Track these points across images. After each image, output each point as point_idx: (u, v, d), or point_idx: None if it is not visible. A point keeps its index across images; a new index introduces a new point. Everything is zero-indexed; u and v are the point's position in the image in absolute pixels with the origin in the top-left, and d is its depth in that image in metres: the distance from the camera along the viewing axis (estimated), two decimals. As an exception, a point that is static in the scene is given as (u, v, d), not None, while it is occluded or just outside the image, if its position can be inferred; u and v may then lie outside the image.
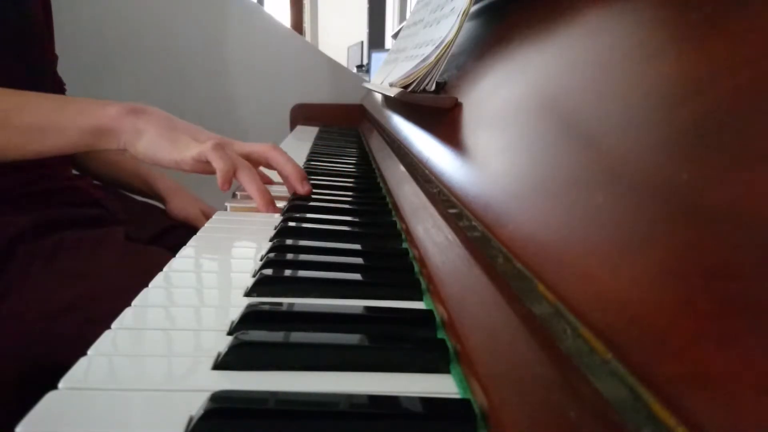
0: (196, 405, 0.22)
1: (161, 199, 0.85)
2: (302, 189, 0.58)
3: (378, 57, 3.68)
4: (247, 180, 0.53)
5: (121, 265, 0.58)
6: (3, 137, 0.51)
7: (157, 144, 0.52)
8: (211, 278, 0.37)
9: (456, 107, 0.47)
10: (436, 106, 0.51)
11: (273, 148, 0.58)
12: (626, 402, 0.15)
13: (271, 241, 0.44)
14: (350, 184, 0.68)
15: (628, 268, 0.17)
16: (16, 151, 0.53)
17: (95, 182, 0.80)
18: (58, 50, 0.77)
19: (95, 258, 0.59)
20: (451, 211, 0.37)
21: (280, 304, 0.32)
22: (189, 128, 0.55)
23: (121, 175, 0.84)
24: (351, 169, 0.80)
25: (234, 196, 0.61)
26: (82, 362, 0.25)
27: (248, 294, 0.34)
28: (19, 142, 0.52)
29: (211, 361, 0.26)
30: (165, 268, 0.37)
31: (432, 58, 0.54)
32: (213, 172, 0.52)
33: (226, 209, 0.57)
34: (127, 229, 0.67)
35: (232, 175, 0.52)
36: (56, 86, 0.74)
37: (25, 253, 0.56)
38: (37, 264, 0.56)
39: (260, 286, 0.34)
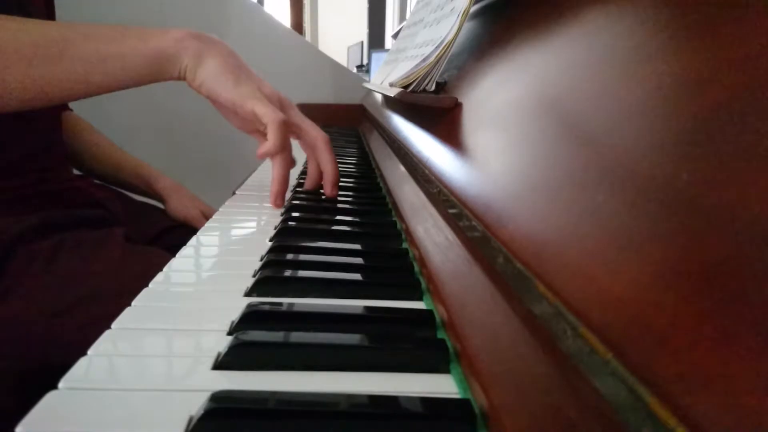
0: (196, 405, 0.22)
1: (161, 199, 0.85)
2: (331, 192, 0.58)
3: (378, 57, 3.68)
4: (279, 165, 0.53)
5: (122, 265, 0.58)
6: (68, 68, 0.48)
7: (220, 77, 0.50)
8: (211, 278, 0.37)
9: (456, 107, 0.47)
10: (436, 106, 0.51)
11: (325, 141, 0.57)
12: (626, 402, 0.15)
13: (271, 241, 0.44)
14: (350, 184, 0.68)
15: (628, 268, 0.17)
16: (79, 83, 0.50)
17: (96, 182, 0.80)
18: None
19: (96, 258, 0.59)
20: (451, 211, 0.37)
21: (280, 304, 0.32)
22: (252, 74, 0.54)
23: (121, 174, 0.84)
24: (351, 169, 0.80)
25: (233, 194, 0.61)
26: (82, 362, 0.25)
27: (248, 294, 0.34)
28: (82, 71, 0.49)
29: (211, 361, 0.26)
30: (165, 268, 0.37)
31: (432, 58, 0.54)
32: (255, 136, 0.52)
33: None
34: (127, 230, 0.67)
35: (275, 154, 0.51)
36: None
37: (25, 254, 0.56)
38: (37, 264, 0.56)
39: (260, 286, 0.34)
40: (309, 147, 0.58)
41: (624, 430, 0.15)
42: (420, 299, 0.34)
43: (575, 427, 0.16)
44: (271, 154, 0.51)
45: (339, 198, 0.60)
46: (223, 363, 0.25)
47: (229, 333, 0.29)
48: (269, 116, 0.50)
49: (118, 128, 1.07)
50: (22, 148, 0.61)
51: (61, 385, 0.23)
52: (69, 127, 0.80)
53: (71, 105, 0.84)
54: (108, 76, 0.50)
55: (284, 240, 0.44)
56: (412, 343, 0.28)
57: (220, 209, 0.55)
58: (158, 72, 0.51)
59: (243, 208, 0.57)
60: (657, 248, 0.17)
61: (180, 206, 0.84)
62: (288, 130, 0.52)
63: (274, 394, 0.23)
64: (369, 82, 1.22)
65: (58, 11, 0.77)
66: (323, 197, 0.59)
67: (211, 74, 0.50)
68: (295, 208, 0.54)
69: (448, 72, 0.57)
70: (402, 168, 0.61)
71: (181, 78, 0.52)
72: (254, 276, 0.36)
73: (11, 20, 0.48)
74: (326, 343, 0.27)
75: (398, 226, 0.50)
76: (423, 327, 0.30)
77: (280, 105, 0.56)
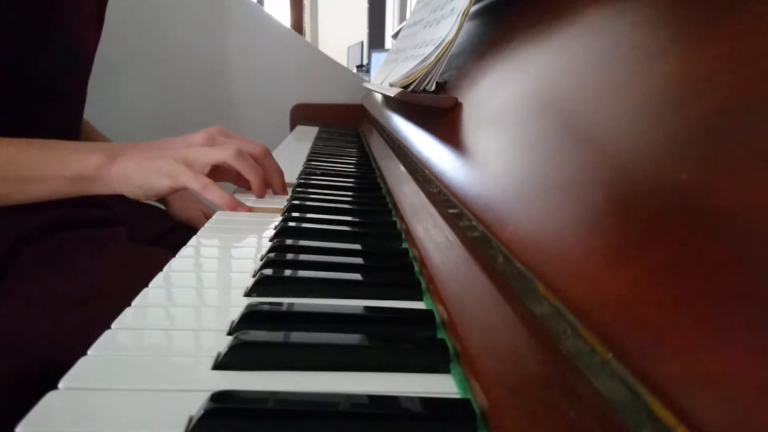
0: (196, 405, 0.22)
1: (162, 200, 0.85)
2: (258, 195, 0.60)
3: (378, 57, 3.67)
4: (253, 182, 0.57)
5: (124, 265, 0.58)
6: None
7: (146, 181, 0.54)
8: (211, 278, 0.37)
9: (456, 107, 0.47)
10: (436, 106, 0.51)
11: (265, 155, 0.60)
12: (626, 402, 0.15)
13: (271, 241, 0.44)
14: (350, 184, 0.68)
15: (628, 268, 0.17)
16: (2, 199, 0.54)
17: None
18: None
19: (98, 258, 0.59)
20: (451, 211, 0.37)
21: (280, 304, 0.32)
22: (164, 150, 0.56)
23: None
24: (351, 169, 0.80)
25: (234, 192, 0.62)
26: (82, 362, 0.25)
27: (248, 294, 0.34)
28: (4, 192, 0.53)
29: (211, 361, 0.26)
30: (165, 268, 0.37)
31: (432, 58, 0.54)
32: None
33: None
34: (129, 230, 0.67)
35: (204, 188, 0.53)
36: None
37: (29, 253, 0.56)
38: (40, 264, 0.56)
39: (260, 286, 0.34)
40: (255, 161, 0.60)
41: (624, 430, 0.15)
42: (420, 299, 0.34)
43: (575, 427, 0.16)
44: (229, 206, 0.55)
45: (339, 198, 0.60)
46: (223, 363, 0.25)
47: (229, 333, 0.29)
48: (197, 188, 0.53)
49: (119, 129, 1.07)
50: None
51: (61, 385, 0.23)
52: None
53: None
54: (29, 195, 0.54)
55: (284, 240, 0.44)
56: (412, 343, 0.28)
57: (220, 209, 0.55)
58: (80, 191, 0.55)
59: (261, 209, 0.57)
60: (657, 248, 0.17)
61: (182, 207, 0.84)
62: (222, 176, 0.57)
63: (274, 394, 0.23)
64: (369, 82, 1.22)
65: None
66: (323, 197, 0.59)
67: (139, 184, 0.54)
68: (295, 208, 0.54)
69: (448, 72, 0.57)
70: (402, 168, 0.61)
71: (118, 194, 0.56)
72: (254, 276, 0.36)
73: None
74: (326, 343, 0.27)
75: (398, 226, 0.50)
76: (423, 327, 0.30)
77: (210, 139, 0.58)
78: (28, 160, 0.53)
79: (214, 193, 0.54)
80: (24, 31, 0.60)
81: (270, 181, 0.61)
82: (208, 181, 0.54)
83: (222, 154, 0.55)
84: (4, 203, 0.54)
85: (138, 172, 0.54)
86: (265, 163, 0.60)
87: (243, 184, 0.60)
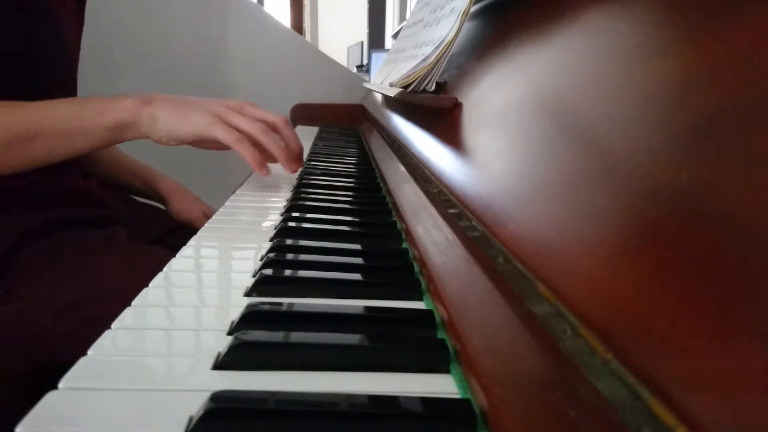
0: (196, 405, 0.22)
1: (162, 201, 0.85)
2: (293, 167, 0.63)
3: (378, 57, 3.67)
4: (273, 148, 0.60)
5: (124, 265, 0.58)
6: (36, 146, 0.55)
7: (174, 123, 0.57)
8: (211, 278, 0.37)
9: (456, 107, 0.47)
10: (436, 106, 0.51)
11: (284, 122, 0.63)
12: (626, 402, 0.15)
13: (271, 241, 0.44)
14: (350, 184, 0.68)
15: (628, 267, 0.17)
16: (48, 156, 0.56)
17: (99, 183, 0.80)
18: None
19: (98, 258, 0.59)
20: (451, 211, 0.37)
21: (280, 304, 0.32)
22: (197, 102, 0.59)
23: (123, 176, 0.84)
24: (351, 169, 0.80)
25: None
26: (82, 362, 0.25)
27: (248, 294, 0.34)
28: (50, 147, 0.56)
29: (211, 361, 0.26)
30: (165, 268, 0.37)
31: (432, 58, 0.54)
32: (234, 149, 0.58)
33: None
34: (130, 230, 0.67)
35: (241, 140, 0.57)
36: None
37: (29, 253, 0.56)
38: (41, 263, 0.56)
39: (260, 286, 0.34)
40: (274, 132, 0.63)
41: (624, 430, 0.15)
42: (420, 299, 0.34)
43: (575, 427, 0.16)
44: (258, 165, 0.58)
45: (339, 198, 0.60)
46: (223, 363, 0.25)
47: (229, 333, 0.29)
48: (229, 140, 0.57)
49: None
50: None
51: (61, 385, 0.23)
52: None
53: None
54: (73, 148, 0.57)
55: (284, 240, 0.44)
56: (412, 343, 0.28)
57: (220, 209, 0.56)
58: (118, 138, 0.58)
59: (243, 207, 0.57)
60: (657, 248, 0.17)
61: (182, 207, 0.84)
62: (220, 122, 0.58)
63: (274, 394, 0.23)
64: (369, 82, 1.22)
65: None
66: (323, 197, 0.59)
67: (166, 126, 0.57)
68: (295, 208, 0.54)
69: (448, 72, 0.58)
70: (402, 168, 0.61)
71: (145, 137, 0.59)
72: (254, 276, 0.36)
73: None
74: (326, 343, 0.27)
75: (398, 226, 0.50)
76: (423, 327, 0.30)
77: (236, 108, 0.61)
78: (68, 115, 0.56)
79: (246, 147, 0.57)
80: (12, 12, 0.60)
81: (288, 151, 0.64)
82: (241, 135, 0.57)
83: (251, 127, 0.59)
84: (51, 159, 0.57)
85: (168, 116, 0.57)
86: (286, 133, 0.63)
87: (266, 155, 0.62)
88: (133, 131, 0.57)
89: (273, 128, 0.62)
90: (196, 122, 0.57)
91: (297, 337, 0.28)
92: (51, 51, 0.66)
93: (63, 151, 0.57)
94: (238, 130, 0.58)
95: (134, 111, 0.57)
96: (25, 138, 0.54)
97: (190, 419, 0.21)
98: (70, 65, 0.72)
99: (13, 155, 0.54)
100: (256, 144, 0.59)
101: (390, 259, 0.41)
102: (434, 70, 0.54)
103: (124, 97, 0.58)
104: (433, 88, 0.54)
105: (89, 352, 0.26)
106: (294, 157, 0.63)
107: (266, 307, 0.31)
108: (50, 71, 0.66)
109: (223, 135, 0.57)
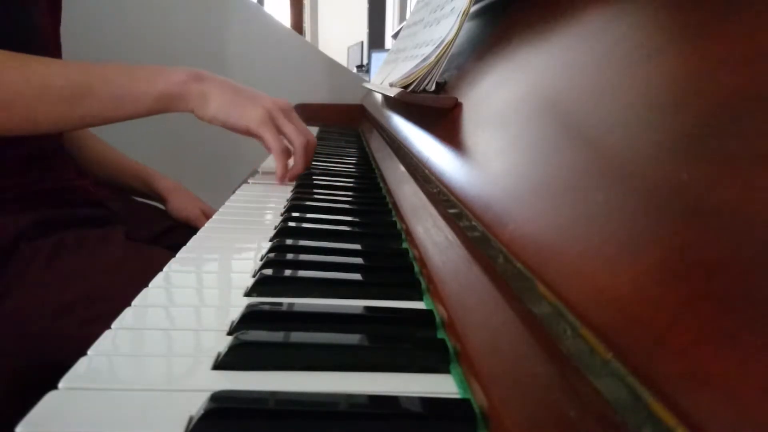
0: (196, 405, 0.22)
1: (161, 199, 0.85)
2: (296, 170, 0.66)
3: (378, 57, 3.67)
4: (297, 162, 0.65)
5: (122, 264, 0.58)
6: (87, 106, 0.55)
7: (226, 109, 0.58)
8: (211, 278, 0.37)
9: (456, 107, 0.47)
10: (436, 106, 0.51)
11: (315, 146, 0.68)
12: (626, 402, 0.15)
13: (271, 241, 0.44)
14: (350, 184, 0.68)
15: (628, 267, 0.17)
16: (98, 118, 0.57)
17: (96, 182, 0.80)
18: (59, 51, 0.77)
19: (96, 257, 0.59)
20: (451, 211, 0.37)
21: (280, 304, 0.32)
22: (252, 95, 0.61)
23: (122, 177, 0.84)
24: (351, 169, 0.80)
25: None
26: (82, 362, 0.25)
27: (248, 294, 0.34)
28: (100, 109, 0.56)
29: (211, 361, 0.26)
30: (165, 268, 0.37)
31: (432, 58, 0.54)
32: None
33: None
34: (128, 229, 0.67)
35: (285, 153, 0.61)
36: None
37: (26, 252, 0.56)
38: (38, 263, 0.56)
39: (260, 286, 0.34)
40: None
41: (624, 430, 0.15)
42: (420, 299, 0.34)
43: (575, 427, 0.16)
44: (281, 178, 0.63)
45: (339, 198, 0.60)
46: (223, 363, 0.25)
47: (229, 333, 0.29)
48: (275, 148, 0.61)
49: (119, 129, 1.07)
50: (24, 147, 0.61)
51: (61, 385, 0.23)
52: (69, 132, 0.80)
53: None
54: (121, 114, 0.58)
55: (284, 240, 0.44)
56: (412, 343, 0.28)
57: (221, 209, 0.55)
58: (164, 109, 0.59)
59: (243, 207, 0.57)
60: (657, 248, 0.17)
61: (180, 206, 0.84)
62: (272, 128, 0.61)
63: (274, 394, 0.23)
64: (369, 82, 1.22)
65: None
66: (323, 197, 0.59)
67: (217, 108, 0.58)
68: (295, 208, 0.54)
69: (448, 72, 0.58)
70: (402, 168, 0.61)
71: (189, 112, 0.60)
72: (254, 276, 0.36)
73: (38, 62, 0.54)
74: (326, 343, 0.27)
75: (398, 226, 0.50)
76: (423, 327, 0.30)
77: (285, 111, 0.64)
78: (120, 79, 0.57)
79: (283, 160, 0.61)
80: None
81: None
82: (285, 147, 0.61)
83: (297, 141, 0.63)
84: (100, 121, 0.58)
85: (220, 99, 0.58)
86: (310, 153, 0.68)
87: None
88: (180, 104, 0.58)
89: (307, 146, 0.66)
90: (250, 116, 0.59)
91: (297, 337, 0.28)
92: (22, 36, 0.65)
93: (110, 114, 0.57)
94: (285, 136, 0.62)
95: (184, 86, 0.57)
96: (76, 95, 0.54)
97: (190, 419, 0.21)
98: (46, 51, 0.71)
99: (59, 110, 0.54)
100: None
101: (390, 259, 0.41)
102: (434, 70, 0.54)
103: (175, 70, 0.59)
104: (433, 88, 0.54)
105: (89, 352, 0.26)
106: (295, 175, 0.67)
107: (266, 307, 0.31)
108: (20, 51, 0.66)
109: (271, 141, 0.60)
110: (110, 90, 0.56)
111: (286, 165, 0.62)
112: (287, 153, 0.62)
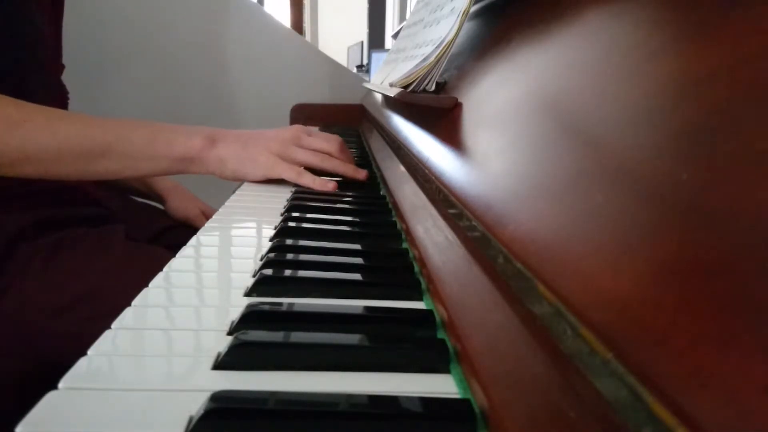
0: (196, 405, 0.22)
1: (160, 199, 0.85)
2: (360, 176, 0.68)
3: (378, 57, 3.67)
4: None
5: (121, 264, 0.58)
6: (103, 163, 0.57)
7: (241, 168, 0.61)
8: (211, 278, 0.37)
9: (456, 107, 0.47)
10: (436, 106, 0.51)
11: (340, 149, 0.67)
12: (626, 402, 0.15)
13: (271, 241, 0.44)
14: (350, 184, 0.68)
15: (629, 267, 0.17)
16: (110, 174, 0.59)
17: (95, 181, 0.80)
18: (59, 50, 0.77)
19: (95, 257, 0.59)
20: (451, 211, 0.37)
21: (280, 304, 0.32)
22: (258, 141, 0.63)
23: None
24: (351, 169, 0.80)
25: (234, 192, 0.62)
26: (82, 362, 0.25)
27: (248, 294, 0.34)
28: (117, 168, 0.58)
29: (211, 361, 0.26)
30: (165, 268, 0.37)
31: (432, 58, 0.54)
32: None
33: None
34: (127, 229, 0.67)
35: (300, 176, 0.62)
36: (60, 95, 0.75)
37: (25, 252, 0.56)
38: (37, 262, 0.56)
39: (260, 286, 0.34)
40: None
41: (624, 430, 0.15)
42: (420, 299, 0.34)
43: (575, 427, 0.16)
44: (321, 187, 0.63)
45: (339, 198, 0.60)
46: (223, 363, 0.25)
47: (229, 333, 0.29)
48: (292, 177, 0.62)
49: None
50: None
51: (61, 385, 0.23)
52: None
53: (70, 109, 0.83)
54: (138, 173, 0.60)
55: (284, 240, 0.43)
56: (412, 343, 0.28)
57: (221, 209, 0.56)
58: (185, 170, 0.61)
59: (243, 208, 0.57)
60: (657, 248, 0.17)
61: (180, 206, 0.84)
62: (289, 165, 0.63)
63: (274, 394, 0.23)
64: (369, 82, 1.22)
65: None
66: (323, 197, 0.59)
67: (234, 168, 0.61)
68: (295, 208, 0.54)
69: (448, 72, 0.58)
70: (402, 168, 0.61)
71: (211, 174, 0.62)
72: (254, 276, 0.36)
73: (61, 119, 0.56)
74: (326, 343, 0.27)
75: (398, 226, 0.50)
76: (423, 327, 0.30)
77: (293, 139, 0.65)
78: (139, 140, 0.58)
79: (307, 179, 0.62)
80: None
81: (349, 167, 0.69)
82: (301, 169, 0.63)
83: (311, 159, 0.64)
84: (114, 177, 0.59)
85: (235, 159, 0.61)
86: (343, 156, 0.68)
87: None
88: (200, 168, 0.60)
89: (329, 155, 0.66)
90: (263, 164, 0.62)
91: (297, 337, 0.28)
92: (24, 33, 0.65)
93: (127, 173, 0.59)
94: (304, 164, 0.63)
95: (202, 151, 0.59)
96: (96, 153, 0.56)
97: (190, 419, 0.21)
98: (49, 58, 0.72)
99: (79, 166, 0.57)
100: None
101: (390, 259, 0.41)
102: (434, 70, 0.54)
103: (193, 133, 0.60)
104: (433, 88, 0.54)
105: (89, 352, 0.26)
106: (354, 168, 0.68)
107: (266, 307, 0.31)
108: (26, 60, 0.66)
109: (287, 174, 0.62)
110: (129, 150, 0.58)
111: (314, 180, 0.63)
112: (305, 173, 0.63)
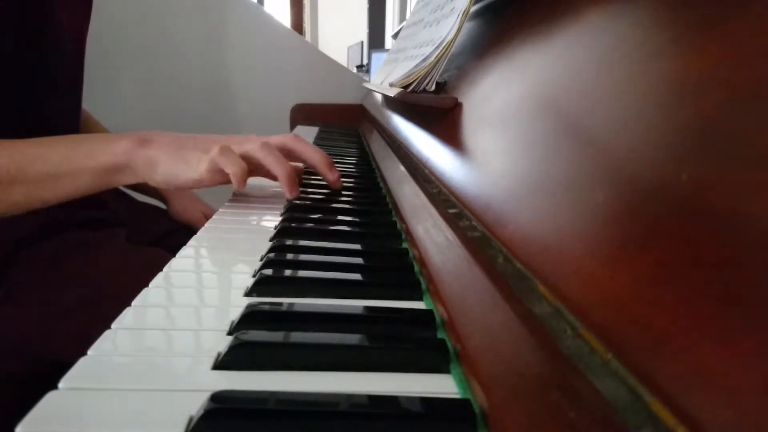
0: (196, 405, 0.22)
1: (163, 198, 0.85)
2: (331, 176, 0.58)
3: (378, 57, 3.68)
4: (278, 172, 0.53)
5: (123, 266, 0.58)
6: (21, 191, 0.50)
7: (172, 169, 0.51)
8: (211, 278, 0.37)
9: (456, 107, 0.47)
10: (436, 106, 0.51)
11: (294, 139, 0.57)
12: (626, 402, 0.15)
13: (271, 241, 0.44)
14: (350, 184, 0.68)
15: (629, 267, 0.17)
16: (34, 201, 0.52)
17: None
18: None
19: (97, 259, 0.59)
20: (451, 211, 0.37)
21: (280, 304, 0.32)
22: (197, 142, 0.53)
23: None
24: (351, 169, 0.80)
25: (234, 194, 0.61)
26: (82, 362, 0.25)
27: (248, 294, 0.34)
28: (31, 192, 0.51)
29: (211, 361, 0.26)
30: (165, 268, 0.37)
31: (432, 58, 0.54)
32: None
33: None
34: (129, 231, 0.67)
35: (244, 175, 0.51)
36: (75, 114, 0.74)
37: (28, 254, 0.56)
38: (40, 265, 0.56)
39: (260, 286, 0.34)
40: (285, 154, 0.57)
41: (624, 430, 0.15)
42: (420, 299, 0.34)
43: (575, 427, 0.16)
44: (240, 179, 0.51)
45: (339, 198, 0.60)
46: (223, 363, 0.25)
47: (229, 333, 0.29)
48: (211, 158, 0.50)
49: (119, 129, 1.07)
50: None
51: (61, 385, 0.23)
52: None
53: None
54: (61, 192, 0.52)
55: (284, 240, 0.44)
56: (412, 343, 0.28)
57: (220, 209, 0.55)
58: (109, 182, 0.52)
59: (243, 208, 0.57)
60: (657, 248, 0.17)
61: (181, 208, 0.84)
62: (229, 151, 0.51)
63: (274, 394, 0.23)
64: (369, 82, 1.22)
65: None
66: (323, 197, 0.59)
67: (166, 173, 0.51)
68: (295, 208, 0.54)
69: (448, 72, 0.58)
70: (402, 168, 0.61)
71: (142, 182, 0.53)
72: (254, 276, 0.36)
73: None
74: (326, 343, 0.27)
75: (398, 226, 0.50)
76: (423, 327, 0.30)
77: (245, 139, 0.55)
78: (55, 157, 0.51)
79: (241, 182, 0.51)
80: (15, 22, 0.59)
81: (312, 165, 0.58)
82: (236, 172, 0.50)
83: (247, 146, 0.53)
84: (40, 205, 0.52)
85: (165, 159, 0.51)
86: (296, 147, 0.56)
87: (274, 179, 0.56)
88: (129, 176, 0.52)
89: (281, 149, 0.55)
90: (195, 167, 0.51)
91: (297, 337, 0.28)
92: (50, 55, 0.64)
93: (47, 196, 0.52)
94: (239, 154, 0.52)
95: (128, 155, 0.51)
96: (7, 180, 0.49)
97: (190, 419, 0.21)
98: (73, 65, 0.72)
99: None
100: (261, 170, 0.55)
101: (390, 259, 0.41)
102: (434, 70, 0.54)
103: (121, 137, 0.52)
104: (433, 88, 0.54)
105: (89, 352, 0.26)
106: (327, 164, 0.59)
107: (266, 307, 0.31)
108: (47, 90, 0.65)
109: (234, 177, 0.50)
110: (44, 169, 0.50)
111: (242, 182, 0.51)
112: (240, 176, 0.51)
